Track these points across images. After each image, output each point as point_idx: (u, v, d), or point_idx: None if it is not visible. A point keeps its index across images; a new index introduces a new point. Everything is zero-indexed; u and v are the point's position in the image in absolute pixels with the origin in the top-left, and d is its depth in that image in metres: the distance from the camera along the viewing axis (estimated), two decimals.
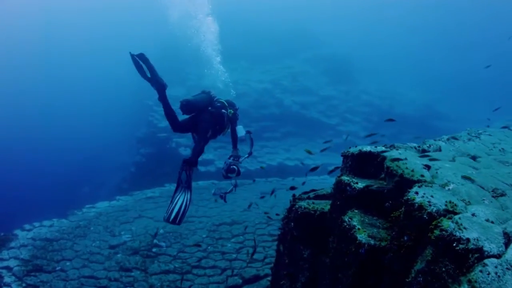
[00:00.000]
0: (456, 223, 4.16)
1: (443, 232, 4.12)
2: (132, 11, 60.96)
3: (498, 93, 45.47)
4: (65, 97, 56.71)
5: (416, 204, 4.65)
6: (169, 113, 7.74)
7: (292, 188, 9.26)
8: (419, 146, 7.17)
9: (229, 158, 8.43)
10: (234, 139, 8.65)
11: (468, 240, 3.94)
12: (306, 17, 47.26)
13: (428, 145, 7.17)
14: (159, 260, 14.26)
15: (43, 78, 61.06)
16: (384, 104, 37.72)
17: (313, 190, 8.39)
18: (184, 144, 27.42)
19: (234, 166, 8.21)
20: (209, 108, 8.35)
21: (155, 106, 32.02)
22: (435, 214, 4.48)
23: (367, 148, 6.41)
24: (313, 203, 7.28)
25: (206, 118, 8.12)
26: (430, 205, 4.57)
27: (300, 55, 40.87)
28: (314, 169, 9.24)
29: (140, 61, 7.27)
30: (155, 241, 15.40)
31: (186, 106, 7.98)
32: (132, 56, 7.24)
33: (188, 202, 7.38)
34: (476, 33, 64.33)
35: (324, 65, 39.72)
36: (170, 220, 7.14)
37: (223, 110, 8.39)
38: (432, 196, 4.72)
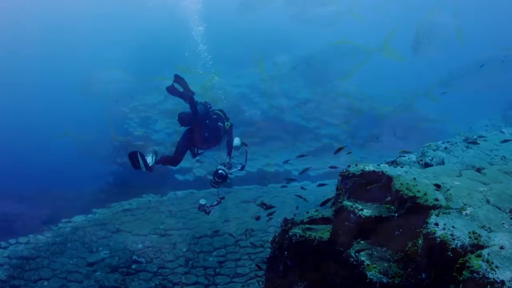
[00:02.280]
0: (487, 261, 3.64)
1: (475, 275, 3.58)
2: (108, 15, 60.07)
3: (478, 93, 45.64)
4: (35, 102, 55.40)
5: (438, 239, 4.09)
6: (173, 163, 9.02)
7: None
8: (421, 160, 6.70)
9: (220, 165, 8.67)
10: (229, 148, 9.01)
11: (503, 282, 3.43)
12: (282, 18, 46.83)
13: (430, 158, 6.70)
14: (139, 277, 13.80)
15: (14, 81, 59.71)
16: (363, 105, 37.35)
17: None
18: (161, 152, 26.73)
19: (223, 172, 8.42)
20: (207, 121, 8.80)
21: (130, 114, 31.32)
22: (461, 250, 3.95)
23: (370, 168, 5.80)
24: (308, 229, 6.60)
25: (203, 131, 8.68)
26: (453, 239, 4.02)
27: (277, 58, 40.30)
28: (269, 207, 9.12)
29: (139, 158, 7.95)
30: (134, 257, 14.80)
31: (184, 119, 8.44)
32: (131, 155, 8.00)
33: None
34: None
35: (301, 67, 39.16)
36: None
37: (219, 123, 8.93)
38: (453, 227, 4.16)
